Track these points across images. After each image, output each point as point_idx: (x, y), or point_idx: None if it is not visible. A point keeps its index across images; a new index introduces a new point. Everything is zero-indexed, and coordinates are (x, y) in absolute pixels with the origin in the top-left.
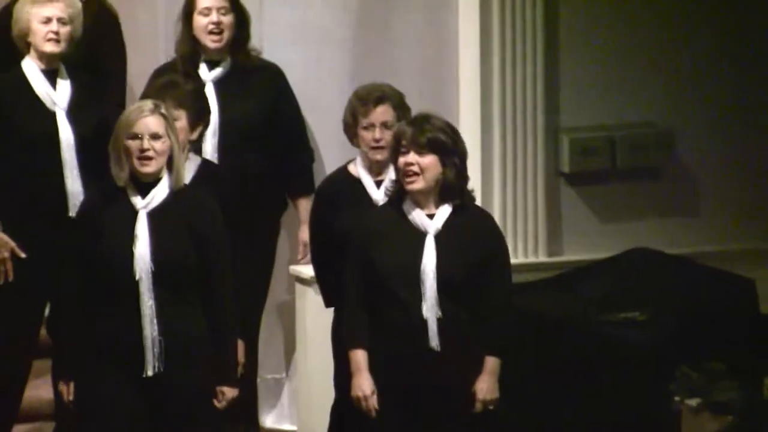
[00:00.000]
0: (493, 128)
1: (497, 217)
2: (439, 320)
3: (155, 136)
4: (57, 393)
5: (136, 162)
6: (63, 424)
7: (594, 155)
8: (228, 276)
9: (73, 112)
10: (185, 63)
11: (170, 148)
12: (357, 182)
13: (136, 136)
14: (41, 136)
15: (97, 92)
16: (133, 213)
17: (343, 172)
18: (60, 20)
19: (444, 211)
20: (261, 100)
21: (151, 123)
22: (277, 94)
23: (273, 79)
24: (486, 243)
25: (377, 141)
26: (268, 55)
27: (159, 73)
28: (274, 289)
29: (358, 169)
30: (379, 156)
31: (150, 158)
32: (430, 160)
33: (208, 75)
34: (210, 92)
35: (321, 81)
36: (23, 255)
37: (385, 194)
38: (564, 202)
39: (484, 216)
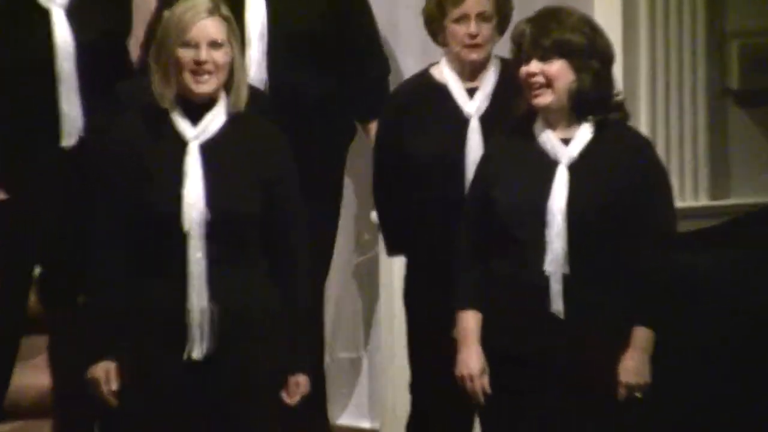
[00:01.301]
0: (639, 32)
1: None
2: (564, 277)
3: (215, 45)
4: (57, 379)
5: (189, 78)
6: (64, 420)
7: None
8: (302, 227)
9: (74, 11)
10: None
11: (231, 60)
12: (442, 89)
13: (190, 44)
14: (31, 41)
15: None
16: (182, 145)
17: (423, 76)
18: None
19: (583, 134)
20: (321, 2)
21: (211, 27)
22: None
23: None
24: (636, 175)
25: (473, 37)
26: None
27: None
28: (347, 245)
29: (443, 73)
30: (475, 55)
31: (208, 72)
32: (557, 67)
33: None
34: None
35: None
36: (3, 196)
37: (477, 110)
38: (732, 129)
39: (637, 139)
